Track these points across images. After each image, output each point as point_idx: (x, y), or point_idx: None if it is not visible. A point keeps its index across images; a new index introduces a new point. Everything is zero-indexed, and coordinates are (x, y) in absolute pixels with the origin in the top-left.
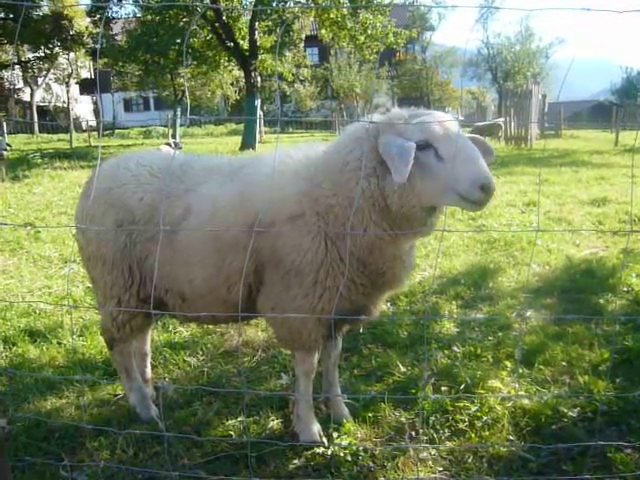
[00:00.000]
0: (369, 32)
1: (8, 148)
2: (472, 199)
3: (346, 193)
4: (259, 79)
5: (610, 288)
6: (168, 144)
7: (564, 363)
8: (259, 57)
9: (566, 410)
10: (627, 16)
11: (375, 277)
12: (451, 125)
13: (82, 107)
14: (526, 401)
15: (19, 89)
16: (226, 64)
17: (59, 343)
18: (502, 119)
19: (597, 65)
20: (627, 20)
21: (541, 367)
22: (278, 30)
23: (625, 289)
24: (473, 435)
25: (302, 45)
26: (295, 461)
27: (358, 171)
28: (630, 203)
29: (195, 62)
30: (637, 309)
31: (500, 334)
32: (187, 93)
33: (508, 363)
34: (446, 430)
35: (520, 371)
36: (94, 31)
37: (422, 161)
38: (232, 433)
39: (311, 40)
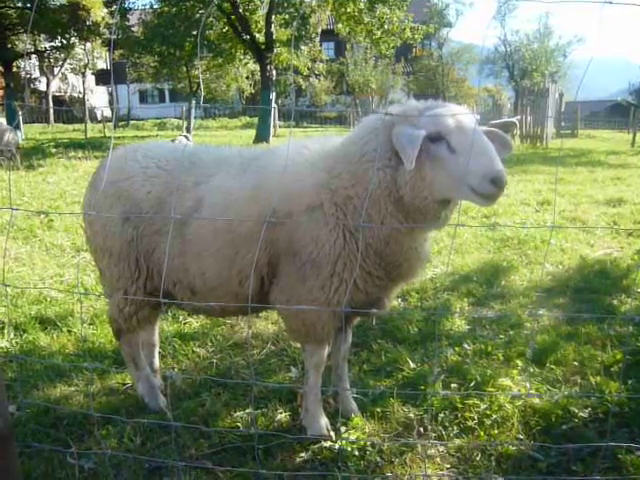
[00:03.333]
0: (386, 27)
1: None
2: (483, 193)
3: (364, 184)
4: (274, 72)
5: (624, 289)
6: (185, 136)
7: (576, 363)
8: (275, 50)
9: (577, 410)
10: None
11: (391, 269)
12: (465, 118)
13: (98, 98)
14: (536, 400)
15: (35, 79)
16: (242, 57)
17: (69, 331)
18: (518, 117)
19: (615, 64)
20: None
21: (552, 367)
22: (294, 23)
23: (639, 290)
24: (482, 433)
25: (318, 39)
26: (302, 454)
27: (374, 162)
28: None
29: (211, 54)
30: None
31: (511, 332)
32: (202, 85)
33: (519, 362)
34: (455, 427)
35: (531, 370)
36: (111, 22)
37: (434, 153)
38: (240, 425)
39: (327, 34)
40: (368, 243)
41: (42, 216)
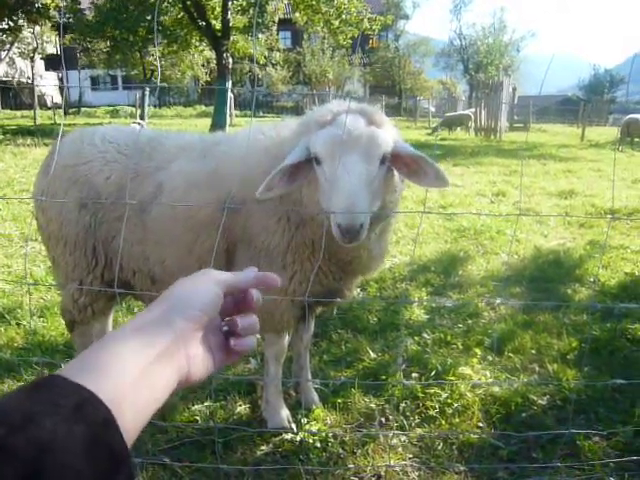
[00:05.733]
0: (344, 17)
1: None
2: (334, 232)
3: None
4: (231, 61)
5: (577, 278)
6: (138, 123)
7: (533, 351)
8: (231, 38)
9: (536, 398)
10: (596, 13)
11: (343, 265)
12: (349, 144)
13: (47, 83)
14: (496, 388)
15: None
16: (197, 44)
17: (18, 324)
18: (472, 110)
19: (565, 61)
20: (596, 17)
21: (511, 355)
22: (252, 10)
23: (591, 279)
24: (443, 422)
25: (275, 28)
26: (263, 447)
27: None
28: (596, 196)
29: (165, 40)
30: (603, 299)
31: (470, 322)
32: (160, 72)
33: (478, 350)
34: (416, 417)
35: (490, 359)
36: (61, 4)
37: (316, 173)
38: (198, 418)
39: (284, 24)
40: (319, 237)
41: None
